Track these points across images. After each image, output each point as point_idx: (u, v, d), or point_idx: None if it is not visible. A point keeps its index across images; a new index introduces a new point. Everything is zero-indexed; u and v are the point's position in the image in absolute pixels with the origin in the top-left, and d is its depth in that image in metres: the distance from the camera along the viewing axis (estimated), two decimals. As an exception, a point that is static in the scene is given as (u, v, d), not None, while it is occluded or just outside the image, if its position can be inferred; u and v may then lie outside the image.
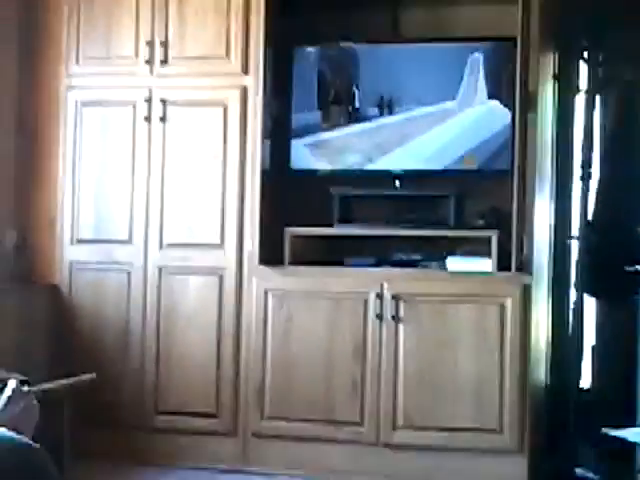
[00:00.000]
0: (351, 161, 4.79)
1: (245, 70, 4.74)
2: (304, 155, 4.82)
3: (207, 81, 4.79)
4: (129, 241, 4.85)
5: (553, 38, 4.79)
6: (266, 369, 4.61)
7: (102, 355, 4.83)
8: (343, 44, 4.80)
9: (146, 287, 4.81)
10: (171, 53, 4.83)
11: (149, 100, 4.84)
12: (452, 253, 4.58)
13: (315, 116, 4.83)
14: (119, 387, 4.81)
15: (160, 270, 4.79)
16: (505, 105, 4.57)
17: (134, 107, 4.86)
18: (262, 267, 4.62)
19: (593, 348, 4.88)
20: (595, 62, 4.99)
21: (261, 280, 4.63)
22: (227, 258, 4.71)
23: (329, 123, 4.81)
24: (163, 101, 4.82)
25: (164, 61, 4.82)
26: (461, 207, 4.70)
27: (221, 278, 4.71)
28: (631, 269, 4.20)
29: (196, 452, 4.72)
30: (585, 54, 5.00)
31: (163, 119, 4.82)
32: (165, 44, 4.82)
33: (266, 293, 4.62)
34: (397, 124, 4.72)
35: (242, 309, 4.69)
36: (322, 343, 4.55)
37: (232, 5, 4.76)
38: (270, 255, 4.64)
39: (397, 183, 4.72)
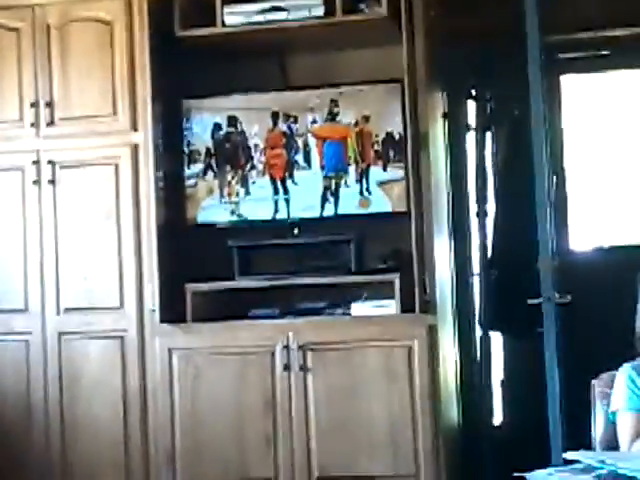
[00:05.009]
0: (249, 212, 4.78)
1: (134, 127, 4.67)
2: (201, 209, 4.78)
3: (96, 140, 4.71)
4: (25, 309, 4.71)
5: (440, 78, 4.83)
6: (175, 432, 4.50)
7: (2, 431, 4.66)
8: (231, 96, 4.77)
9: (46, 355, 4.67)
10: (57, 114, 4.74)
11: (37, 163, 4.73)
12: (356, 298, 4.54)
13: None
14: (23, 463, 4.64)
15: (60, 336, 4.66)
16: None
17: (22, 171, 4.75)
18: (164, 326, 4.53)
19: (502, 383, 4.92)
20: (483, 99, 5.06)
21: (164, 339, 4.54)
22: (128, 319, 4.61)
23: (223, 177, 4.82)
24: (52, 163, 4.72)
25: (50, 122, 4.73)
26: (362, 251, 4.67)
27: (123, 340, 4.61)
28: (534, 302, 4.23)
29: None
30: (473, 92, 5.07)
31: (53, 182, 4.71)
32: (50, 105, 4.73)
33: (170, 352, 4.53)
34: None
35: (147, 371, 4.58)
36: (231, 399, 4.46)
37: (116, 61, 4.70)
38: (173, 313, 4.55)
39: (296, 231, 4.70)
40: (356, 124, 4.73)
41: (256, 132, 4.82)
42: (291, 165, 4.80)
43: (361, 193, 4.69)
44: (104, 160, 4.70)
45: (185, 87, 4.80)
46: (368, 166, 4.71)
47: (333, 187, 4.75)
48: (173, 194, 4.74)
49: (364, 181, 4.73)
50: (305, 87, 4.80)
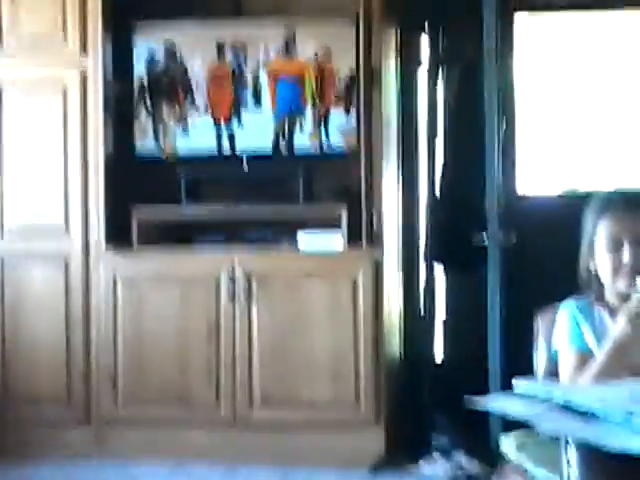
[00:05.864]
0: (198, 144, 4.64)
1: (84, 50, 4.58)
2: (150, 138, 4.68)
3: (44, 64, 4.61)
4: (-32, 231, 4.65)
5: (395, 13, 4.80)
6: (118, 355, 4.51)
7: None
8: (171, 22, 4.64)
9: (-12, 277, 4.63)
10: (5, 36, 4.63)
11: (-17, 86, 4.64)
12: (305, 228, 4.53)
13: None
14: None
15: (2, 258, 4.61)
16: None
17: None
18: (109, 252, 4.51)
19: (445, 318, 4.99)
20: (436, 36, 5.05)
21: (109, 265, 4.52)
22: (72, 244, 4.57)
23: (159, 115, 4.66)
24: (-1, 87, 4.63)
25: (-2, 43, 4.62)
26: (310, 186, 4.66)
27: (67, 264, 4.57)
28: (478, 242, 4.27)
29: (48, 443, 4.55)
30: (426, 29, 5.05)
31: (-1, 105, 4.63)
32: (-1, 27, 4.61)
33: (114, 278, 4.51)
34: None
35: (91, 295, 4.55)
36: (175, 326, 4.48)
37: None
38: (118, 239, 4.54)
39: (245, 166, 4.59)
40: (316, 60, 4.54)
41: (198, 65, 4.63)
42: (238, 104, 4.59)
43: (320, 141, 4.50)
44: (52, 84, 4.61)
45: (135, 10, 4.69)
46: (328, 109, 4.56)
47: (286, 131, 4.55)
48: (122, 123, 4.68)
49: (322, 127, 4.54)
50: (258, 16, 4.66)
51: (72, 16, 4.58)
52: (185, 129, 4.64)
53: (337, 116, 4.58)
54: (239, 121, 4.60)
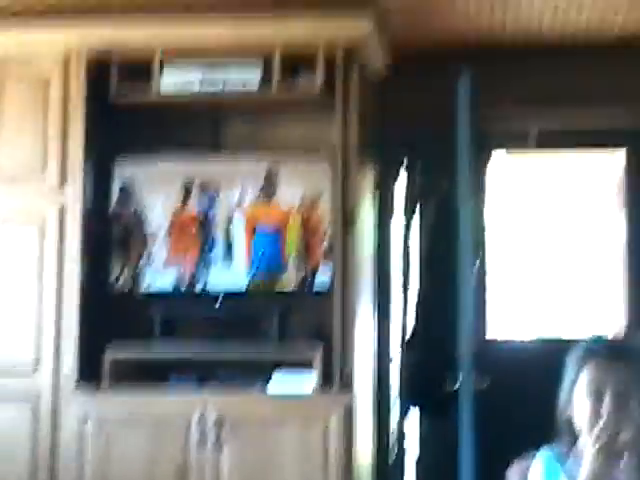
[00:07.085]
0: (171, 281, 4.54)
1: (62, 185, 4.60)
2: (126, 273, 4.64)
3: (23, 198, 4.64)
4: None
5: (372, 155, 4.86)
6: (85, 499, 4.42)
7: None
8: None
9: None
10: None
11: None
12: (278, 368, 4.48)
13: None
14: None
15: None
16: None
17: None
18: (79, 391, 4.46)
19: (418, 462, 4.95)
20: (412, 178, 5.11)
21: (78, 405, 4.46)
22: (43, 382, 4.51)
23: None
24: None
25: (-23, 179, 4.65)
26: (286, 324, 4.62)
27: (36, 404, 4.51)
28: (450, 387, 4.27)
29: None
30: (403, 170, 5.12)
31: (-23, 240, 4.63)
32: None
33: (84, 418, 4.44)
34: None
35: (59, 434, 4.47)
36: (144, 469, 4.39)
37: (50, 117, 4.64)
38: (90, 378, 4.49)
39: (218, 304, 4.48)
40: (300, 208, 4.13)
41: (159, 210, 4.38)
42: (204, 261, 4.29)
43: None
44: (30, 218, 4.63)
45: (116, 149, 4.75)
46: (315, 268, 4.16)
47: (261, 292, 4.14)
48: (101, 257, 4.67)
49: (305, 288, 4.08)
50: (234, 152, 4.57)
51: (53, 149, 4.62)
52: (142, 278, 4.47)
53: (324, 276, 4.21)
54: (205, 282, 4.25)
